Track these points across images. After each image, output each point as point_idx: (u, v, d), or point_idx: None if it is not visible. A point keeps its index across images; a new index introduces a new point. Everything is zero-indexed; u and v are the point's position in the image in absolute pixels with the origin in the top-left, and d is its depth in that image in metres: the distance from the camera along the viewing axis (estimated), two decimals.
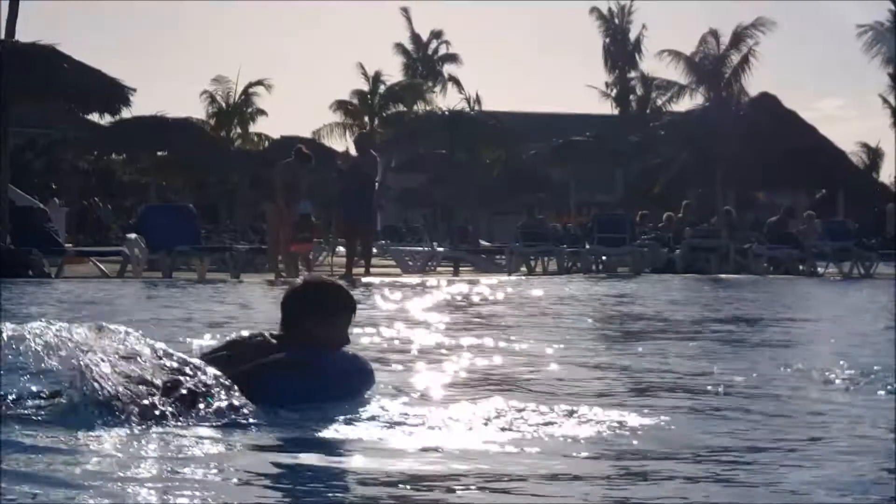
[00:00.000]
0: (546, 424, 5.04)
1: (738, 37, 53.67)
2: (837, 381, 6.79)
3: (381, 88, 59.21)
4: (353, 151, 23.62)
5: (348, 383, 5.57)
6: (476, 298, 16.13)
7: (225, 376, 5.17)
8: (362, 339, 9.28)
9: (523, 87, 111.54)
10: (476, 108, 58.25)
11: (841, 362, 7.68)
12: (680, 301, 16.57)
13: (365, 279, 20.86)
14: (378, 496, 3.87)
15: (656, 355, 8.30)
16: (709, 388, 6.44)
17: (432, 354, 8.18)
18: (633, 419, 5.24)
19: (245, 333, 5.83)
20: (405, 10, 66.33)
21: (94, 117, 41.99)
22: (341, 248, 25.65)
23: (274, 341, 5.59)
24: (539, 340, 9.24)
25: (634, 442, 4.79)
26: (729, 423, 5.30)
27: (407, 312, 12.65)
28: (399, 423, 5.11)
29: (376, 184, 22.91)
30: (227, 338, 5.87)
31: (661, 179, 47.39)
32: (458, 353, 8.17)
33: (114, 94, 37.08)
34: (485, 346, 8.70)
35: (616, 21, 61.05)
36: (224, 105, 52.72)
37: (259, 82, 53.13)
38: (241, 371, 5.24)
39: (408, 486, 3.98)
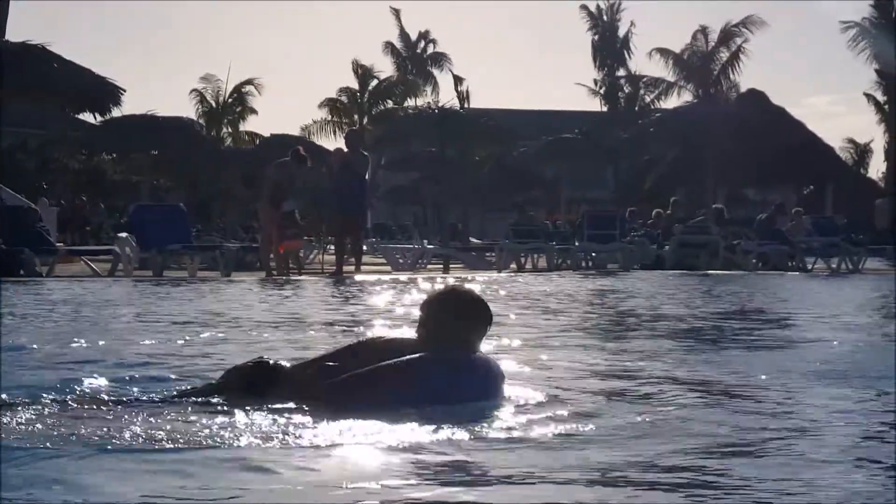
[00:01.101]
0: (530, 424, 5.05)
1: (728, 34, 53.84)
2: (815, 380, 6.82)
3: (372, 85, 59.26)
4: (344, 149, 23.65)
5: (496, 384, 5.62)
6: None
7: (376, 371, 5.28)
8: (350, 338, 9.36)
9: (513, 85, 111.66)
10: (466, 105, 58.24)
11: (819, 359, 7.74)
12: (659, 297, 16.61)
13: (355, 277, 20.92)
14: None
15: (634, 353, 8.34)
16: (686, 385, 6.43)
17: None
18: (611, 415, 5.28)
19: (378, 333, 6.04)
20: (395, 10, 66.33)
21: (85, 117, 42.13)
22: (332, 246, 25.70)
23: (410, 342, 5.67)
24: (520, 336, 9.26)
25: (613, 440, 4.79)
26: (721, 420, 5.28)
27: (396, 310, 12.69)
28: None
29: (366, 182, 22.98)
30: (361, 338, 5.94)
31: (652, 176, 47.55)
32: None
33: (104, 93, 37.11)
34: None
35: (605, 18, 61.05)
36: (214, 104, 52.77)
37: (249, 81, 53.21)
38: (393, 366, 5.32)
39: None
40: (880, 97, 53.09)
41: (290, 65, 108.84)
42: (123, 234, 22.76)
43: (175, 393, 5.54)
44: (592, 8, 61.35)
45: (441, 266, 27.16)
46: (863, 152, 61.40)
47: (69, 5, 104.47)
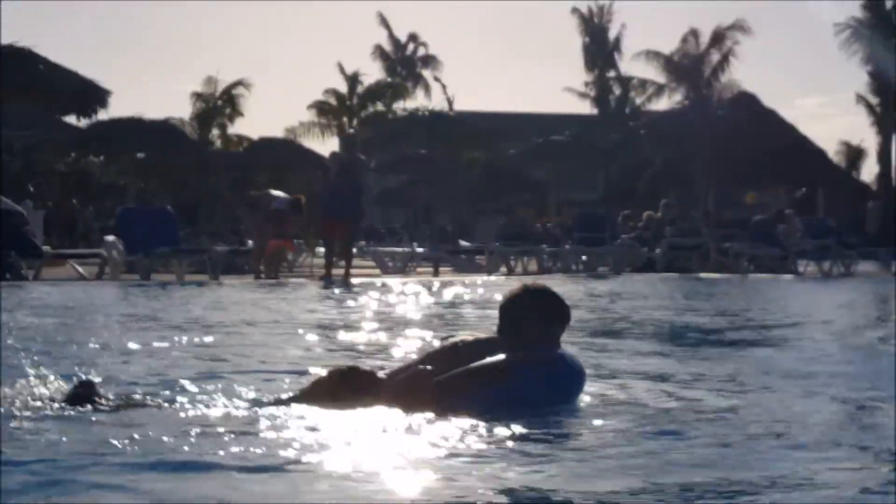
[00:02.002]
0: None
1: (718, 36, 53.80)
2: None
3: (360, 89, 59.15)
4: (340, 152, 23.62)
5: (581, 381, 5.73)
6: (451, 299, 16.08)
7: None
8: (342, 339, 9.24)
9: (502, 88, 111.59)
10: (453, 107, 58.21)
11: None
12: (643, 301, 16.54)
13: (348, 280, 20.84)
14: None
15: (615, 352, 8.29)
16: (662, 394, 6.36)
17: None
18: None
19: (463, 335, 5.92)
20: (382, 15, 66.23)
21: (71, 119, 41.94)
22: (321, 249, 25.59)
23: (496, 342, 5.72)
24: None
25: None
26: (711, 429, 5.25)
27: (387, 313, 12.59)
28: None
29: (362, 185, 22.93)
30: (449, 339, 5.94)
31: (643, 178, 47.52)
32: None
33: (91, 95, 36.96)
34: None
35: (596, 21, 60.99)
36: (206, 105, 52.63)
37: (239, 83, 53.06)
38: (488, 366, 5.41)
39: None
40: (872, 99, 53.04)
41: (280, 67, 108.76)
42: (110, 238, 22.59)
43: (266, 401, 5.60)
44: (584, 10, 61.33)
45: (431, 269, 27.02)
46: (855, 155, 61.36)
47: (55, 8, 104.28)
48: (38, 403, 5.37)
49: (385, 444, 4.63)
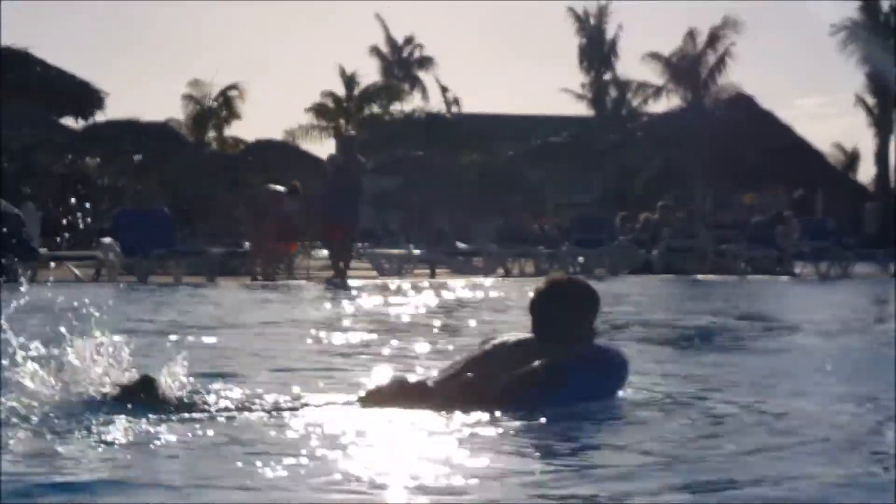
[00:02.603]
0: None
1: (714, 37, 53.74)
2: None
3: (357, 90, 59.10)
4: (339, 154, 23.58)
5: (626, 374, 5.78)
6: (449, 301, 16.08)
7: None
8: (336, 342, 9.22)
9: (499, 90, 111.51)
10: (455, 109, 58.17)
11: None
12: (639, 303, 16.53)
13: (339, 281, 20.84)
14: None
15: None
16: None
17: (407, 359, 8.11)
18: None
19: (504, 336, 5.93)
20: (380, 17, 66.20)
21: (68, 120, 41.91)
22: (318, 251, 25.57)
23: (531, 340, 5.77)
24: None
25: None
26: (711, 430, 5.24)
27: (381, 315, 12.56)
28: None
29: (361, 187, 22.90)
30: (490, 341, 5.92)
31: (640, 180, 47.50)
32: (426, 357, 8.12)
33: (87, 97, 36.93)
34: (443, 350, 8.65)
35: (592, 22, 60.96)
36: (201, 108, 52.55)
37: (234, 86, 52.99)
38: (537, 368, 5.41)
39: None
40: (870, 100, 53.05)
41: (278, 68, 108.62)
42: (107, 240, 22.56)
43: (319, 408, 5.59)
44: (580, 11, 61.31)
45: (428, 271, 26.99)
46: (853, 156, 61.39)
47: (52, 9, 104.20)
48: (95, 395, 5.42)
49: (438, 451, 4.62)
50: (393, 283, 21.07)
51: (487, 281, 22.93)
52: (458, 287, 19.46)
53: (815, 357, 8.76)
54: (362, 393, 5.64)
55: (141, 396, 5.38)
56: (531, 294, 5.94)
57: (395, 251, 28.75)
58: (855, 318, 14.21)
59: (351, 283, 20.62)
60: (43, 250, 23.68)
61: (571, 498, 3.94)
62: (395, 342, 9.24)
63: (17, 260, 20.74)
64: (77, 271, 22.36)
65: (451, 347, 8.83)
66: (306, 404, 5.58)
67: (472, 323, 12.08)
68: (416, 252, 28.36)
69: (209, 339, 9.24)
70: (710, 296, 19.11)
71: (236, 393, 5.75)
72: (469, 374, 5.59)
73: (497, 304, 15.91)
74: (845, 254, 27.61)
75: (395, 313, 13.03)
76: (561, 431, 5.09)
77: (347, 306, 14.84)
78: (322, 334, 10.00)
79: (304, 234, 24.60)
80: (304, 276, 24.28)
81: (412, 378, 5.77)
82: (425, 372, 6.31)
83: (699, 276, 25.04)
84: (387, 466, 4.30)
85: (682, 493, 3.98)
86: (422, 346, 8.90)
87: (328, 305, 15.34)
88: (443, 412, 5.28)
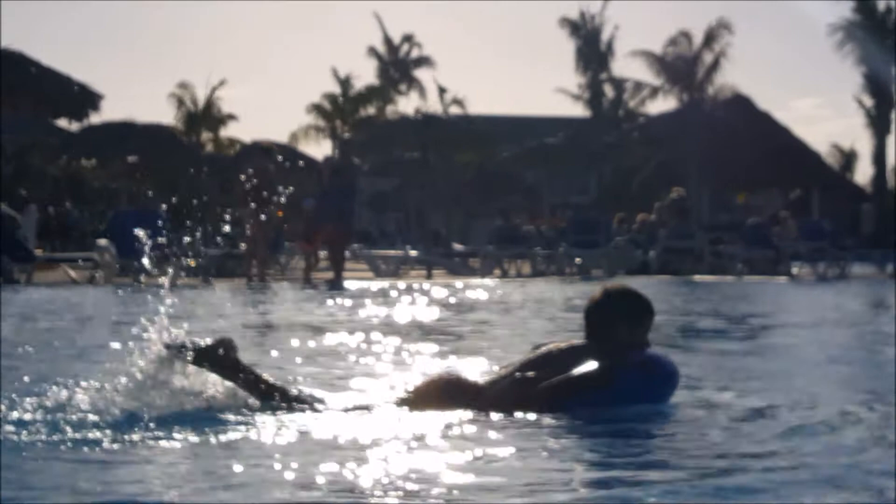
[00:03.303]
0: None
1: (710, 37, 53.77)
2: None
3: (352, 92, 59.17)
4: (334, 157, 23.55)
5: (675, 381, 5.82)
6: (443, 303, 16.05)
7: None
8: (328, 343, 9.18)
9: (495, 90, 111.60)
10: (459, 110, 58.23)
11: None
12: None
13: (336, 283, 20.81)
14: None
15: None
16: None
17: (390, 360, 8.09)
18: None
19: (557, 341, 5.99)
20: (377, 15, 66.20)
21: (63, 122, 41.88)
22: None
23: (589, 347, 5.82)
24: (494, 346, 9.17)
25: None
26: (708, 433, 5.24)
27: (377, 318, 12.53)
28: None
29: (356, 189, 22.89)
30: (541, 347, 5.98)
31: (636, 181, 47.49)
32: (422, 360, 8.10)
33: (83, 99, 36.88)
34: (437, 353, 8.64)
35: (588, 24, 60.95)
36: (193, 108, 52.56)
37: (222, 83, 53.11)
38: (587, 373, 5.52)
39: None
40: (868, 101, 53.09)
41: (274, 71, 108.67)
42: (103, 241, 22.51)
43: (372, 404, 5.71)
44: (576, 13, 61.32)
45: (424, 272, 26.95)
46: (849, 157, 61.46)
47: (47, 10, 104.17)
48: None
49: (484, 449, 4.68)
50: (389, 284, 21.03)
51: (484, 282, 22.90)
52: (455, 288, 19.42)
53: (812, 357, 8.75)
54: (411, 389, 5.76)
55: (220, 354, 5.53)
56: (587, 301, 6.04)
57: (392, 252, 28.71)
58: (852, 318, 14.19)
59: (346, 284, 20.58)
60: (38, 252, 23.69)
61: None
62: (395, 343, 9.20)
63: (13, 261, 20.75)
64: (73, 273, 22.32)
65: (450, 349, 8.81)
66: (357, 401, 5.71)
67: (472, 323, 12.06)
68: (413, 253, 28.32)
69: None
70: (706, 296, 19.08)
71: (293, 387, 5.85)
72: (518, 375, 5.68)
73: (493, 305, 15.89)
74: (842, 254, 27.63)
75: (394, 315, 12.99)
76: (602, 432, 5.18)
77: (349, 307, 14.80)
78: (324, 336, 9.98)
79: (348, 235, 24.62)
80: (299, 277, 24.23)
81: (463, 376, 5.88)
82: (468, 371, 6.37)
83: (696, 277, 25.01)
84: (425, 465, 4.37)
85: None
86: (420, 348, 8.87)
87: (330, 306, 15.32)
88: (490, 411, 5.41)
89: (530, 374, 5.62)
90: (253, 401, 5.51)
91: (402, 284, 20.79)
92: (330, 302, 16.16)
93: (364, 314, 13.30)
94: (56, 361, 7.72)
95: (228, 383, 5.57)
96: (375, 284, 21.00)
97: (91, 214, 39.69)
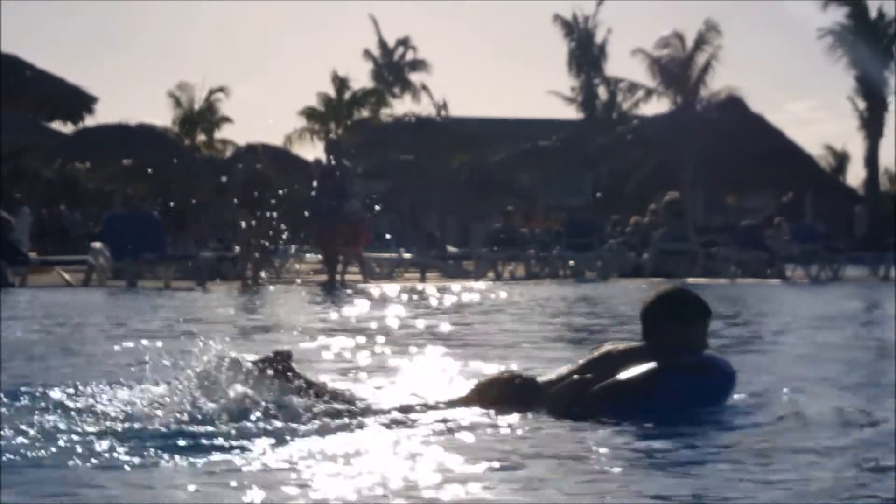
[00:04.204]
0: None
1: (701, 39, 53.83)
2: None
3: (347, 94, 59.15)
4: (324, 159, 23.49)
5: (732, 383, 5.81)
6: (437, 305, 16.07)
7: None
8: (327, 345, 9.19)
9: (489, 93, 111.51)
10: (443, 113, 58.22)
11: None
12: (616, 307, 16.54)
13: (332, 284, 20.85)
14: None
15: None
16: None
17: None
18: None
19: (615, 343, 6.03)
20: (373, 18, 66.17)
21: (57, 125, 41.84)
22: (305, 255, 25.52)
23: (645, 349, 5.83)
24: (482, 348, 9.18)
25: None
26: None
27: (373, 320, 12.53)
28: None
29: (349, 192, 22.85)
30: (601, 347, 6.02)
31: (630, 184, 47.49)
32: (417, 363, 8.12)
33: (77, 101, 36.86)
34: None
35: (581, 26, 60.99)
36: (189, 111, 52.55)
37: (220, 89, 53.07)
38: (640, 374, 5.51)
39: None
40: (860, 104, 53.15)
41: (268, 73, 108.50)
42: (97, 244, 22.53)
43: (431, 403, 5.75)
44: (568, 15, 61.36)
45: (418, 275, 26.97)
46: (842, 159, 61.53)
47: (41, 13, 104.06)
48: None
49: (538, 448, 4.76)
50: (383, 286, 21.05)
51: (478, 284, 22.92)
52: (450, 290, 19.44)
53: (807, 357, 8.78)
54: (472, 388, 5.82)
55: (278, 368, 5.57)
56: (643, 302, 6.08)
57: (386, 255, 28.73)
58: (844, 320, 14.23)
59: (343, 285, 20.62)
60: (32, 255, 23.68)
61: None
62: (396, 344, 9.21)
63: (7, 264, 20.75)
64: (67, 276, 22.32)
65: (447, 349, 8.82)
66: (413, 399, 5.79)
67: (469, 325, 12.08)
68: (407, 256, 28.35)
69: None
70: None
71: (347, 388, 5.98)
72: (575, 377, 5.73)
73: (490, 306, 15.92)
74: (835, 257, 27.72)
75: (392, 316, 12.99)
76: (646, 434, 5.18)
77: (352, 309, 14.81)
78: (329, 337, 9.98)
79: (369, 234, 24.67)
80: (293, 279, 24.24)
81: (524, 376, 5.90)
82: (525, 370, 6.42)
83: (689, 279, 25.04)
84: (464, 464, 4.42)
85: None
86: (420, 348, 8.88)
87: (332, 307, 15.34)
88: (546, 412, 5.47)
89: (587, 375, 5.66)
90: (312, 405, 5.54)
91: (396, 287, 20.82)
92: (336, 303, 16.18)
93: (371, 317, 13.27)
94: (89, 364, 7.73)
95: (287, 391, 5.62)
96: (370, 287, 21.01)
97: (85, 217, 39.70)
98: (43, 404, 5.51)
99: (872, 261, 28.28)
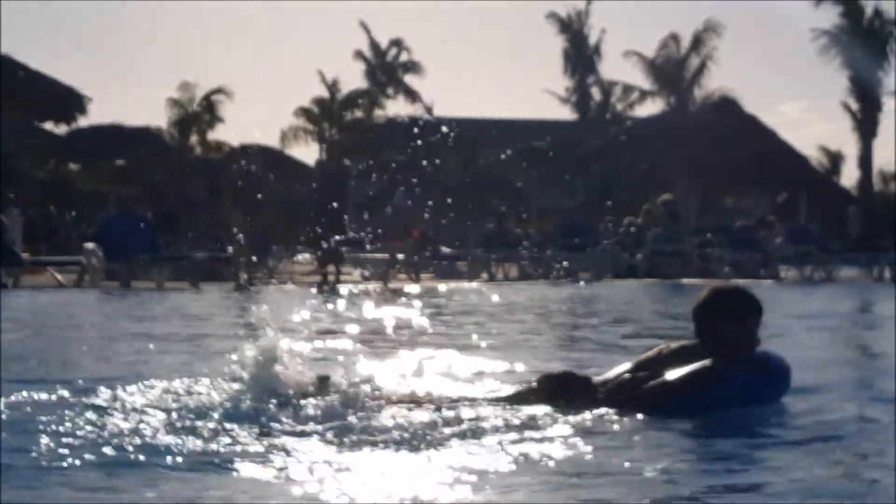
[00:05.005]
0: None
1: (697, 40, 53.85)
2: None
3: (340, 95, 59.11)
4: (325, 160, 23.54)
5: (787, 379, 5.84)
6: (432, 306, 16.05)
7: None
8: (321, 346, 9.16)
9: (483, 93, 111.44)
10: (433, 115, 58.23)
11: None
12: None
13: (329, 285, 20.84)
14: None
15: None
16: None
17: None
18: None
19: (669, 343, 6.08)
20: (363, 23, 66.12)
21: (50, 126, 41.80)
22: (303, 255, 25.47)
23: (699, 348, 5.87)
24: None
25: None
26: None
27: (370, 320, 12.51)
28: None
29: (347, 192, 22.88)
30: (655, 347, 6.07)
31: (624, 185, 47.47)
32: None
33: (70, 102, 36.80)
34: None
35: (575, 26, 60.98)
36: (185, 112, 52.49)
37: (219, 90, 52.95)
38: (693, 372, 5.56)
39: None
40: (854, 105, 53.16)
41: (262, 74, 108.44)
42: (90, 245, 22.49)
43: (492, 396, 5.87)
44: (562, 15, 61.35)
45: (412, 275, 26.93)
46: (836, 160, 61.55)
47: (35, 13, 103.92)
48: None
49: (594, 446, 4.81)
50: (378, 287, 21.03)
51: (472, 285, 22.90)
52: (443, 291, 19.43)
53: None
54: (527, 385, 5.91)
55: (319, 391, 5.69)
56: (696, 300, 6.10)
57: (380, 255, 28.71)
58: (838, 320, 14.24)
59: (339, 287, 20.61)
60: (25, 256, 23.64)
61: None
62: (397, 344, 9.18)
63: (1, 265, 20.72)
64: (60, 277, 22.29)
65: (448, 350, 8.79)
66: (467, 397, 5.84)
67: (467, 326, 12.06)
68: (400, 256, 28.32)
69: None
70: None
71: (401, 389, 6.05)
72: (627, 376, 5.79)
73: (485, 307, 15.91)
74: (829, 257, 27.73)
75: (390, 317, 12.96)
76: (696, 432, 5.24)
77: (352, 310, 14.77)
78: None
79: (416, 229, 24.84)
80: (288, 280, 24.20)
81: (578, 374, 5.97)
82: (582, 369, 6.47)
83: (683, 280, 25.03)
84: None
85: None
86: (419, 348, 8.86)
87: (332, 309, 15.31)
88: (600, 410, 5.50)
89: (640, 374, 5.69)
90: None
91: (390, 287, 20.81)
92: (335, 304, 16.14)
93: (370, 317, 13.22)
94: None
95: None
96: (364, 287, 20.99)
97: (78, 218, 39.66)
98: (81, 403, 5.57)
99: (866, 261, 28.29)
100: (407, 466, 4.39)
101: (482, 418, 5.30)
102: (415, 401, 5.68)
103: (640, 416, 5.38)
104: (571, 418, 5.36)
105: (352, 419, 5.22)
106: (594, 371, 6.28)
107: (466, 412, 5.44)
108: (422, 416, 5.37)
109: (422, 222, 24.54)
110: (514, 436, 4.97)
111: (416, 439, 4.87)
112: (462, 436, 4.94)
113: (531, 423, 5.22)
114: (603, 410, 5.49)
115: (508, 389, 5.93)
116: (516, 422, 5.25)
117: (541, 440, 4.90)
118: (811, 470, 4.42)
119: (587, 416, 5.42)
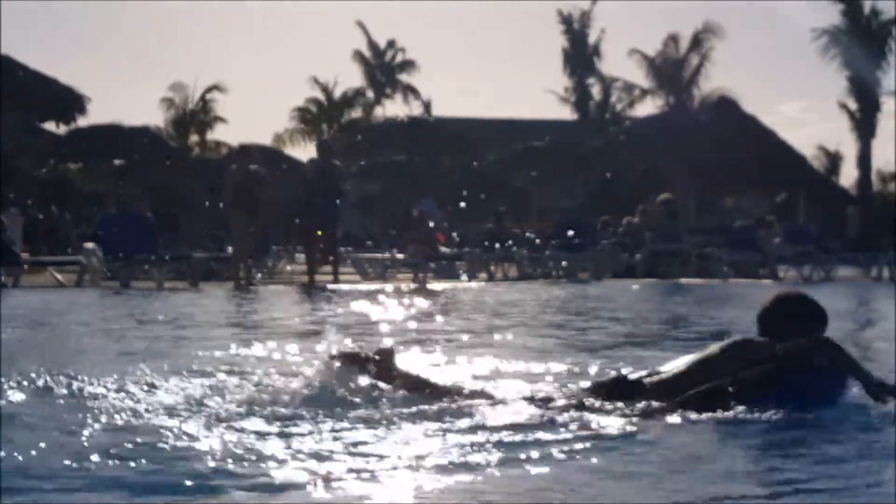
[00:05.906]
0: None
1: (697, 40, 53.94)
2: None
3: (337, 96, 59.19)
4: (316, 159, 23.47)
5: (847, 383, 5.77)
6: (429, 305, 16.05)
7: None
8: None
9: (482, 93, 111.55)
10: (434, 113, 58.27)
11: None
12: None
13: (331, 286, 20.84)
14: None
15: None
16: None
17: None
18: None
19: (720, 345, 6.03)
20: (361, 23, 66.15)
21: (50, 125, 41.79)
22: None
23: (762, 346, 5.83)
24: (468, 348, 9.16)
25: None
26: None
27: (369, 320, 12.52)
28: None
29: (340, 191, 22.85)
30: (730, 340, 6.05)
31: (623, 185, 47.49)
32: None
33: (69, 102, 36.80)
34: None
35: (576, 26, 61.02)
36: (183, 112, 52.50)
37: (215, 87, 52.99)
38: (757, 374, 5.56)
39: None
40: (852, 104, 53.20)
41: (260, 74, 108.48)
42: (90, 245, 22.49)
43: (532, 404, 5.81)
44: (564, 14, 61.42)
45: (411, 275, 26.95)
46: (835, 160, 61.59)
47: (33, 13, 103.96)
48: None
49: (645, 446, 4.84)
50: (377, 286, 21.04)
51: (471, 285, 22.91)
52: (442, 290, 19.43)
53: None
54: (585, 388, 5.93)
55: (376, 366, 5.68)
56: (761, 304, 6.10)
57: (379, 255, 28.71)
58: (836, 320, 14.21)
59: (337, 286, 20.60)
60: (24, 255, 23.64)
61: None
62: (399, 345, 9.16)
63: (1, 265, 20.72)
64: (59, 276, 22.29)
65: (445, 351, 8.80)
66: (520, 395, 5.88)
67: (466, 326, 12.06)
68: (399, 256, 28.33)
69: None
70: (693, 299, 19.10)
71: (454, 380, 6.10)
72: (683, 375, 5.78)
73: (483, 307, 15.91)
74: (828, 257, 27.76)
75: (389, 318, 12.98)
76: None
77: (350, 309, 14.80)
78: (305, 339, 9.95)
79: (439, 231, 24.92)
80: (287, 280, 24.22)
81: (631, 376, 5.96)
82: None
83: (682, 280, 25.05)
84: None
85: None
86: (417, 349, 8.87)
87: (329, 309, 15.33)
88: (658, 410, 5.48)
89: (697, 375, 5.68)
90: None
91: (389, 287, 20.82)
92: (334, 304, 16.14)
93: (366, 315, 13.24)
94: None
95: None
96: (363, 287, 21.01)
97: (78, 218, 39.66)
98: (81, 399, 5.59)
99: (865, 261, 28.32)
100: (438, 462, 4.42)
101: (527, 420, 5.32)
102: (465, 395, 5.73)
103: (693, 416, 5.41)
104: (624, 419, 5.37)
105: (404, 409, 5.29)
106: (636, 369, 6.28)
107: (520, 411, 5.48)
108: (477, 410, 5.42)
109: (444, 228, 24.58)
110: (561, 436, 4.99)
111: (465, 433, 4.94)
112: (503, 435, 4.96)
113: (582, 427, 5.22)
114: (660, 410, 5.49)
115: (558, 400, 5.87)
116: (564, 425, 5.24)
117: (586, 438, 4.94)
118: (811, 469, 4.41)
119: (636, 417, 5.42)
